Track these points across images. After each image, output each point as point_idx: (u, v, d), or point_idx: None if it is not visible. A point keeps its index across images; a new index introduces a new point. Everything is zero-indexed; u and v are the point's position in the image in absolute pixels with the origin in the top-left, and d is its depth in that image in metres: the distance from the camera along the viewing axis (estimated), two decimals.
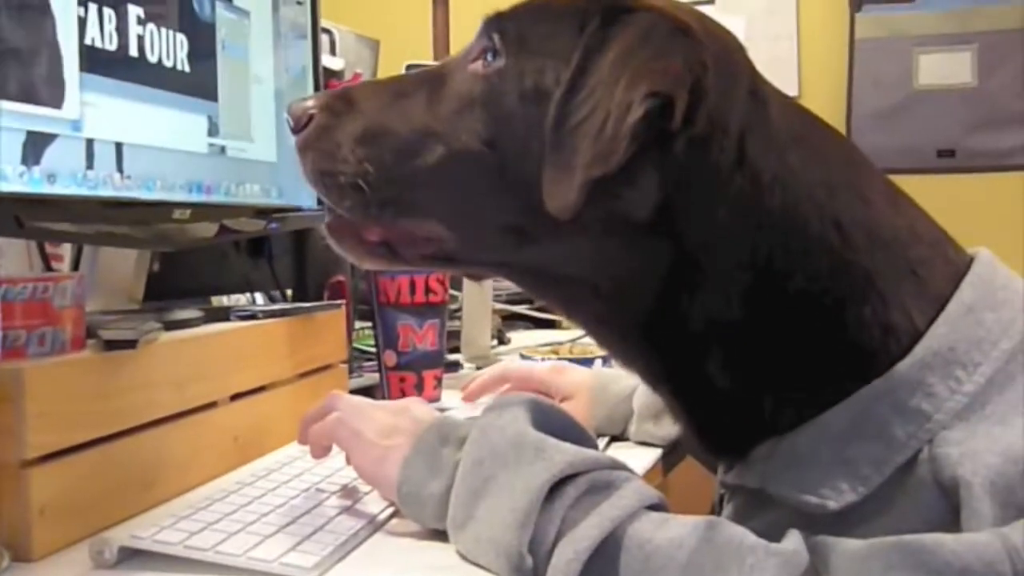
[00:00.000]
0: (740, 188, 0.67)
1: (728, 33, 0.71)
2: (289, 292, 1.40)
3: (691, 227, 0.67)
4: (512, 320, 2.01)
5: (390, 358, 1.25)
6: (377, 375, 1.31)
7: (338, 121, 0.73)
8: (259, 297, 1.67)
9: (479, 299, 1.58)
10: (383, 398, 1.27)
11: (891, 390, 0.64)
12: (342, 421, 0.82)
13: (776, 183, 0.67)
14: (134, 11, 0.89)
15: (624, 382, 1.08)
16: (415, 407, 0.83)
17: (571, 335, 1.90)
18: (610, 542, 0.64)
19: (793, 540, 0.61)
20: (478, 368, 1.55)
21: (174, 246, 0.95)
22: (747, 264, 0.67)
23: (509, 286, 1.69)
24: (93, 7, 0.83)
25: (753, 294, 0.67)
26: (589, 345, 1.53)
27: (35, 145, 0.78)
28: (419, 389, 1.25)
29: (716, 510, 0.93)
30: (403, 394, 1.25)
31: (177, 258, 1.15)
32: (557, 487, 0.68)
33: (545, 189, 0.64)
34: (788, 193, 0.67)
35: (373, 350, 1.47)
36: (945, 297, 0.66)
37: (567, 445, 0.71)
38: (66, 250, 1.03)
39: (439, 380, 1.28)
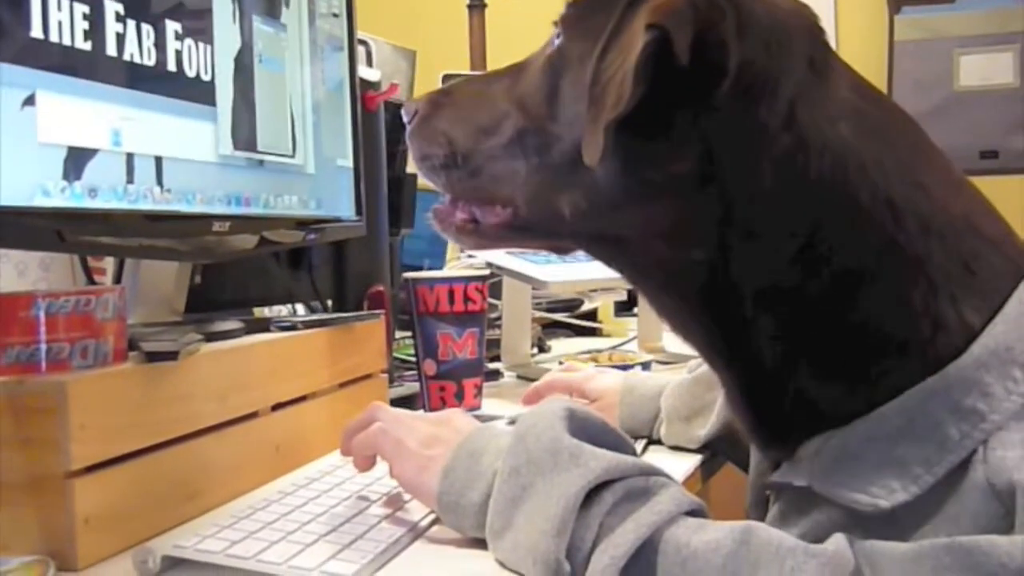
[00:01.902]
0: (786, 150, 0.67)
1: (795, 6, 0.72)
2: (329, 303, 1.41)
3: (737, 186, 0.68)
4: (553, 328, 2.01)
5: (430, 367, 1.26)
6: (417, 384, 1.32)
7: (437, 111, 0.83)
8: (300, 308, 1.69)
9: (519, 307, 1.58)
10: (423, 407, 1.27)
11: (946, 388, 0.63)
12: (384, 431, 0.82)
13: (826, 152, 0.67)
14: (172, 27, 0.90)
15: (651, 383, 1.08)
16: (456, 418, 0.84)
17: (611, 342, 1.90)
18: (647, 547, 0.64)
19: (835, 542, 0.61)
20: (519, 377, 1.55)
21: (214, 258, 0.96)
22: (793, 230, 0.67)
23: (548, 294, 1.69)
24: (132, 23, 0.85)
25: (799, 263, 0.67)
26: (629, 352, 1.53)
27: (76, 160, 0.79)
28: (459, 398, 1.26)
29: (750, 514, 0.93)
30: (443, 403, 1.25)
31: (218, 270, 1.16)
32: (594, 493, 0.68)
33: (583, 143, 0.68)
34: (838, 164, 0.67)
35: (413, 359, 1.48)
36: (1001, 295, 0.66)
37: (603, 451, 0.71)
38: (109, 263, 1.04)
39: (479, 389, 1.28)
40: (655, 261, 0.73)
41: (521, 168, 0.77)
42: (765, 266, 0.68)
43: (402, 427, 0.82)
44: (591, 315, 2.15)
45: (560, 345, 1.89)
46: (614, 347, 1.81)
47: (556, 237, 0.81)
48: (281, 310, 1.68)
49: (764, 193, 0.68)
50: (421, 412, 0.87)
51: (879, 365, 0.66)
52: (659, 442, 1.07)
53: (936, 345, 0.65)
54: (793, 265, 0.68)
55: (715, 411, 1.00)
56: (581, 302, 2.10)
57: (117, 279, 0.97)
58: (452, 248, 2.17)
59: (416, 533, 0.79)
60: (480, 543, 0.75)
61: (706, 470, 1.04)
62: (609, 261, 0.79)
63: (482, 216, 0.82)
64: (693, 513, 0.68)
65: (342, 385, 1.11)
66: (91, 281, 0.99)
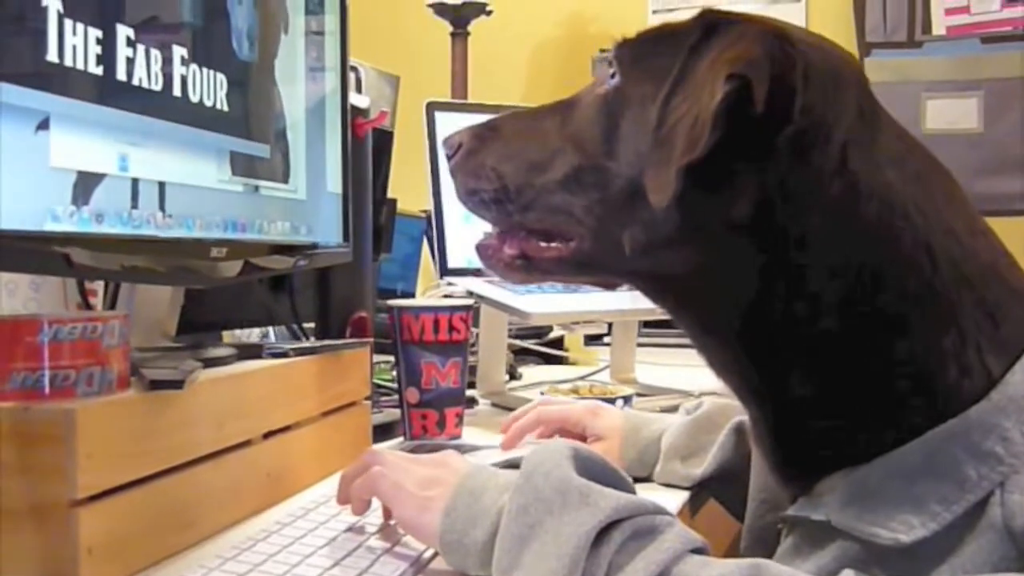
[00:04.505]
0: (838, 196, 0.69)
1: (844, 54, 0.75)
2: (307, 327, 1.40)
3: (788, 231, 0.70)
4: (521, 355, 2.02)
5: (412, 395, 1.26)
6: (396, 411, 1.31)
7: (483, 146, 0.84)
8: (271, 332, 1.68)
9: (495, 336, 1.58)
10: (404, 435, 1.27)
11: (966, 431, 0.65)
12: (383, 475, 0.83)
13: (874, 197, 0.69)
14: (179, 52, 0.90)
15: (655, 426, 1.09)
16: (452, 459, 0.84)
17: (580, 371, 1.91)
18: None
19: None
20: (493, 405, 1.56)
21: (210, 283, 0.96)
22: (838, 274, 0.69)
23: (517, 321, 1.70)
24: (141, 48, 0.84)
25: (842, 306, 0.69)
26: (607, 385, 1.53)
27: (85, 185, 0.78)
28: (441, 427, 1.26)
29: (747, 554, 0.94)
30: (425, 431, 1.25)
31: (201, 293, 1.15)
32: (603, 533, 0.68)
33: (647, 183, 0.70)
34: (884, 209, 0.69)
35: (391, 385, 1.48)
36: (1019, 346, 0.68)
37: (611, 491, 0.71)
38: (100, 285, 1.03)
39: (460, 418, 1.29)
40: (701, 299, 0.76)
41: (578, 203, 0.78)
42: (806, 308, 0.70)
43: (399, 470, 0.83)
44: (558, 343, 2.16)
45: (530, 373, 1.90)
46: (583, 377, 1.82)
47: (612, 273, 0.82)
48: (251, 333, 1.67)
49: (813, 237, 0.70)
50: (419, 455, 0.87)
51: (905, 407, 0.68)
52: (648, 479, 1.07)
53: (961, 390, 0.67)
54: (834, 308, 0.70)
55: (712, 452, 1.01)
56: (550, 329, 2.11)
57: (113, 302, 0.96)
58: (428, 275, 2.18)
59: (418, 567, 0.79)
60: None
61: (693, 506, 1.05)
62: (656, 297, 0.81)
63: (535, 251, 0.82)
64: (698, 551, 0.69)
65: (327, 413, 1.11)
66: (87, 304, 0.98)
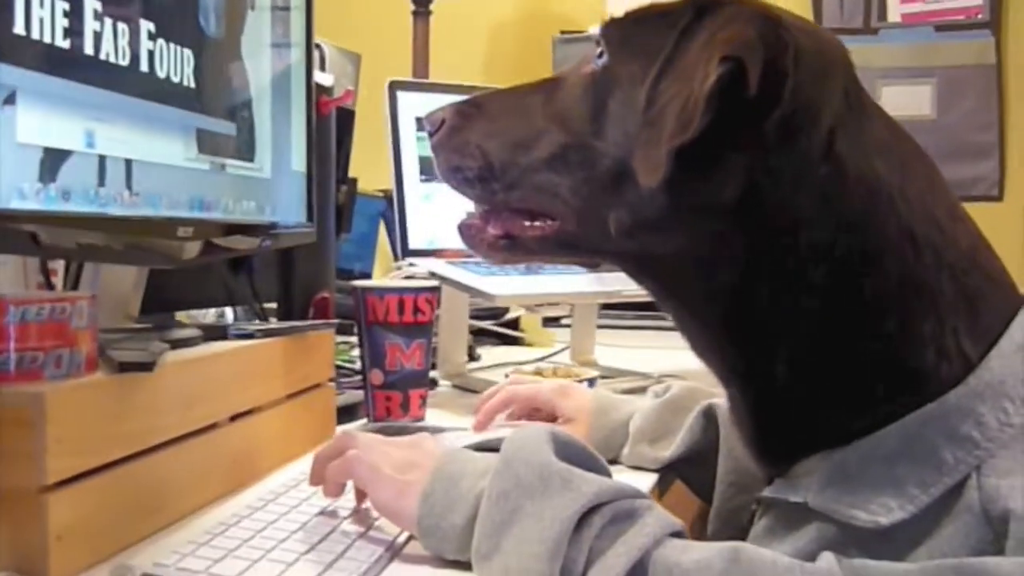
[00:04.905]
0: (824, 181, 0.70)
1: (832, 39, 0.75)
2: (265, 307, 1.39)
3: (774, 214, 0.70)
4: (479, 336, 2.01)
5: (377, 377, 1.25)
6: (359, 392, 1.30)
7: (466, 123, 0.83)
8: (227, 312, 1.65)
9: (456, 317, 1.57)
10: (368, 416, 1.26)
11: (944, 415, 0.66)
12: (359, 458, 0.82)
13: (860, 183, 0.70)
14: (146, 26, 0.88)
15: (624, 408, 1.09)
16: (427, 442, 0.84)
17: (537, 353, 1.91)
18: (637, 569, 0.65)
19: (827, 561, 0.63)
20: (454, 386, 1.55)
21: (176, 264, 0.94)
22: (823, 257, 0.70)
23: (473, 301, 1.69)
24: (108, 22, 0.82)
25: (825, 289, 0.70)
26: (571, 366, 1.53)
27: (52, 162, 0.76)
28: (405, 408, 1.25)
29: (715, 535, 0.94)
30: (389, 413, 1.24)
31: (159, 272, 1.13)
32: (583, 517, 0.68)
33: (636, 164, 0.70)
34: (870, 194, 0.70)
35: (351, 366, 1.47)
36: (995, 332, 0.69)
37: (592, 475, 0.71)
38: (59, 265, 1.00)
39: (424, 399, 1.28)
40: (685, 281, 0.76)
41: (564, 183, 0.78)
42: (791, 292, 0.71)
43: (376, 453, 0.82)
44: (513, 324, 2.16)
45: (488, 354, 1.89)
46: (542, 358, 1.82)
47: (596, 253, 0.82)
48: (206, 313, 1.64)
49: (799, 221, 0.70)
50: (394, 438, 0.86)
51: (884, 390, 0.69)
52: (614, 461, 1.07)
53: (938, 375, 0.68)
54: (817, 291, 0.70)
55: (680, 435, 1.01)
56: (506, 310, 2.10)
57: (75, 282, 0.94)
58: (384, 256, 2.16)
59: (394, 551, 0.78)
60: (458, 563, 0.75)
61: (660, 489, 1.05)
62: (640, 278, 0.81)
63: (519, 231, 0.81)
64: (677, 535, 0.69)
65: (291, 395, 1.10)
66: (49, 284, 0.96)
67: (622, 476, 1.02)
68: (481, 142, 0.82)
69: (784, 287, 0.71)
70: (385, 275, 1.92)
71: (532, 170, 0.79)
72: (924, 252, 0.70)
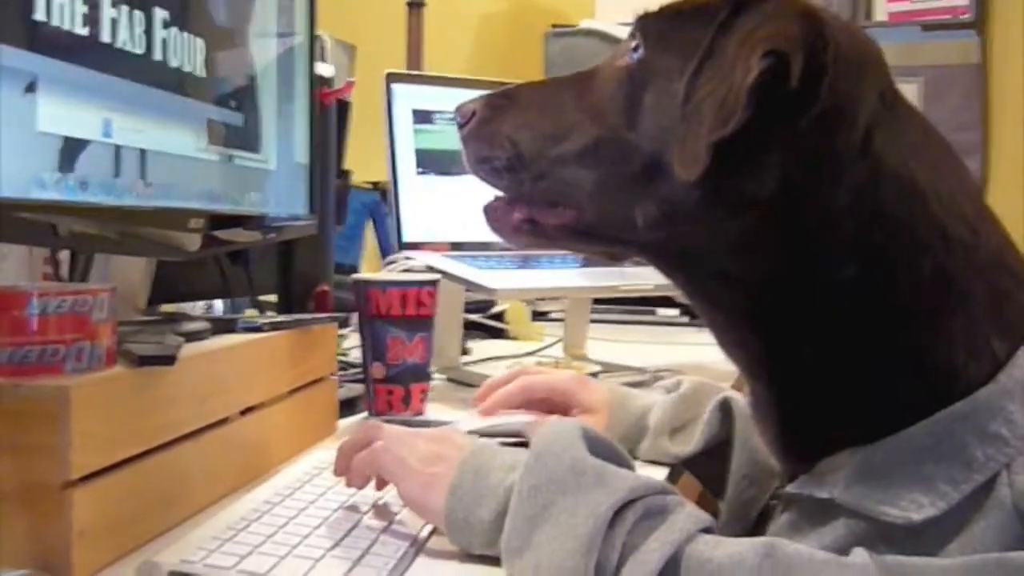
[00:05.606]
0: (860, 178, 0.70)
1: (868, 39, 0.75)
2: (261, 299, 1.37)
3: (808, 210, 0.70)
4: (468, 329, 2.00)
5: (378, 370, 1.24)
6: (357, 386, 1.29)
7: (497, 114, 0.83)
8: (216, 304, 1.64)
9: (451, 310, 1.56)
10: (368, 411, 1.25)
11: (973, 413, 0.66)
12: (387, 450, 0.81)
13: (895, 181, 0.70)
14: (160, 14, 0.86)
15: (640, 401, 1.08)
16: (455, 435, 0.83)
17: (528, 346, 1.90)
18: (671, 565, 0.64)
19: (860, 556, 0.63)
20: (449, 380, 1.54)
21: (187, 256, 0.92)
22: (856, 254, 0.70)
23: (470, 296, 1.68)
24: (124, 9, 0.81)
25: (856, 286, 0.70)
26: (574, 362, 1.53)
27: (70, 151, 0.75)
28: (406, 402, 1.24)
29: (725, 529, 0.94)
30: (390, 407, 1.23)
31: (167, 265, 1.12)
32: (616, 513, 0.68)
33: (674, 157, 0.69)
34: (905, 193, 0.70)
35: (349, 360, 1.46)
36: (1022, 330, 0.69)
37: (625, 471, 0.71)
38: (64, 256, 0.99)
39: (425, 394, 1.27)
40: (715, 276, 0.75)
41: (592, 175, 0.78)
42: (821, 287, 0.71)
43: (403, 445, 0.81)
44: (498, 317, 2.15)
45: (479, 348, 1.88)
46: (534, 352, 1.82)
47: (621, 244, 0.81)
48: (195, 306, 1.62)
49: (833, 218, 0.70)
50: (419, 429, 0.85)
51: (913, 388, 0.69)
52: (632, 455, 1.07)
53: (968, 373, 0.68)
54: (849, 289, 0.70)
55: (699, 429, 1.01)
56: (493, 303, 2.09)
57: (83, 274, 0.93)
58: (370, 249, 2.15)
59: (418, 546, 0.78)
60: (485, 558, 0.75)
61: (670, 482, 1.05)
62: (668, 271, 0.80)
63: (544, 217, 0.81)
64: (707, 530, 0.69)
65: (296, 389, 1.09)
66: (57, 275, 0.94)
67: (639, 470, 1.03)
68: (512, 133, 0.81)
69: (815, 282, 0.71)
70: (374, 269, 1.91)
71: (562, 162, 0.79)
72: (956, 251, 0.70)
